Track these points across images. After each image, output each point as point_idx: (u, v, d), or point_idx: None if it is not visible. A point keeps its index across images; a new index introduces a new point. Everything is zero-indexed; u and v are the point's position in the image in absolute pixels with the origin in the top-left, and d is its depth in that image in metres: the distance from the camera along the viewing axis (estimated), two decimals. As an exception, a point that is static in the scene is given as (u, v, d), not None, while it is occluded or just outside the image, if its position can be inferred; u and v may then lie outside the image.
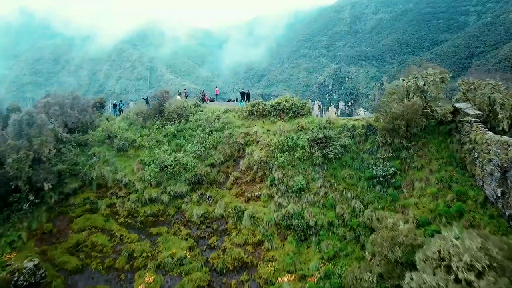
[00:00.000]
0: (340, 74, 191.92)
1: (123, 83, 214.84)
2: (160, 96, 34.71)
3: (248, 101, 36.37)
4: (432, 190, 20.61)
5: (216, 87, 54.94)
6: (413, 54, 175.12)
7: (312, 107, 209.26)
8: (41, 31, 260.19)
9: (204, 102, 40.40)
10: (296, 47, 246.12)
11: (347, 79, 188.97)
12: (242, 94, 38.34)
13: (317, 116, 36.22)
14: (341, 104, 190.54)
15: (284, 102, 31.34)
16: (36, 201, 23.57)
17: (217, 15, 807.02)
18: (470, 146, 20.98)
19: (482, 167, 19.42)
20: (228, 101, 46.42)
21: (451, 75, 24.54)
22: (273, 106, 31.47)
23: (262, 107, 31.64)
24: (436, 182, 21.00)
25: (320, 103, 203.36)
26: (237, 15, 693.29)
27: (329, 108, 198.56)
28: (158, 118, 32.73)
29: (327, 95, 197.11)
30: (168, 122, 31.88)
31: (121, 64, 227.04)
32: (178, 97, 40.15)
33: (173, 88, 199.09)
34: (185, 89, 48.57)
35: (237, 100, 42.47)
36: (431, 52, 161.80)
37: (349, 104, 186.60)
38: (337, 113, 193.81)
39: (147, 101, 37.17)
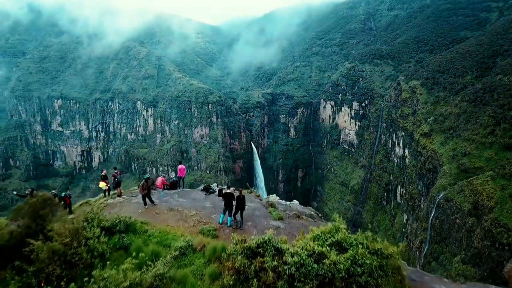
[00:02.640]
0: (354, 73, 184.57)
1: (130, 82, 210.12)
2: (33, 206, 13.86)
3: (242, 213, 18.99)
4: None
5: (181, 164, 32.39)
6: (432, 53, 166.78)
7: (325, 108, 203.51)
8: (49, 28, 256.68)
9: (151, 202, 21.93)
10: (308, 44, 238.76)
11: (361, 78, 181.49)
12: (227, 198, 18.97)
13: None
14: (354, 104, 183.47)
15: (333, 255, 11.20)
16: None
17: (226, 12, 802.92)
18: None
19: None
20: (203, 190, 25.81)
21: None
22: (304, 263, 11.04)
23: (274, 265, 11.37)
24: None
25: (332, 103, 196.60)
26: (247, 12, 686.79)
27: (342, 108, 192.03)
28: (21, 267, 12.14)
29: (340, 95, 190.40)
30: (38, 281, 11.95)
31: (128, 63, 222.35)
32: (102, 184, 23.28)
33: (181, 87, 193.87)
34: (116, 170, 26.52)
35: (219, 193, 23.56)
36: (451, 50, 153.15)
37: (363, 104, 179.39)
38: (351, 114, 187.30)
39: (24, 198, 17.64)
